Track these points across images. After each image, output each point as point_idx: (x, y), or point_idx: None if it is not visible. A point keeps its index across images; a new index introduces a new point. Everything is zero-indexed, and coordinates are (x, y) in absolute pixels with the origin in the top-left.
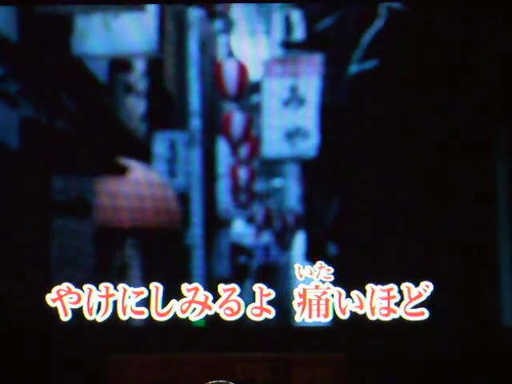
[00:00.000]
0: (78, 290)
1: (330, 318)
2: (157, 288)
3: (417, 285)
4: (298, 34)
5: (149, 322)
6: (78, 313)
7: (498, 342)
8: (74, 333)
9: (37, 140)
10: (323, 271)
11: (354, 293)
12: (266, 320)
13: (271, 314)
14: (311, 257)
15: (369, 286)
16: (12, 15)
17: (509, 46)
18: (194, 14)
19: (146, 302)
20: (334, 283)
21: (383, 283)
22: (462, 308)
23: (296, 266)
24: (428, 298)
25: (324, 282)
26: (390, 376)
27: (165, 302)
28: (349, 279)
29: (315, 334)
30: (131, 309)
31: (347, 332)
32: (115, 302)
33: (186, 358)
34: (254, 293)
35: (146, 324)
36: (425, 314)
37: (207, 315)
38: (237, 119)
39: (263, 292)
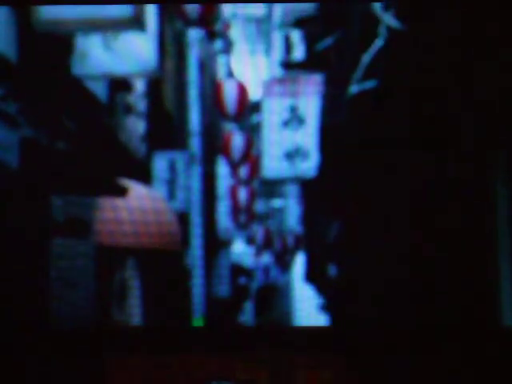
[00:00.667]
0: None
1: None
2: None
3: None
4: (298, 53)
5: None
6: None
7: (497, 341)
8: (73, 333)
9: (36, 160)
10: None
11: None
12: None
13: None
14: (311, 277)
15: None
16: (12, 36)
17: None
18: (194, 34)
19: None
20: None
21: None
22: (462, 308)
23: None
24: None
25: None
26: (390, 376)
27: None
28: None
29: (316, 335)
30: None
31: (348, 333)
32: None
33: (186, 358)
34: (253, 313)
35: (145, 324)
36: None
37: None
38: (237, 139)
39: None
